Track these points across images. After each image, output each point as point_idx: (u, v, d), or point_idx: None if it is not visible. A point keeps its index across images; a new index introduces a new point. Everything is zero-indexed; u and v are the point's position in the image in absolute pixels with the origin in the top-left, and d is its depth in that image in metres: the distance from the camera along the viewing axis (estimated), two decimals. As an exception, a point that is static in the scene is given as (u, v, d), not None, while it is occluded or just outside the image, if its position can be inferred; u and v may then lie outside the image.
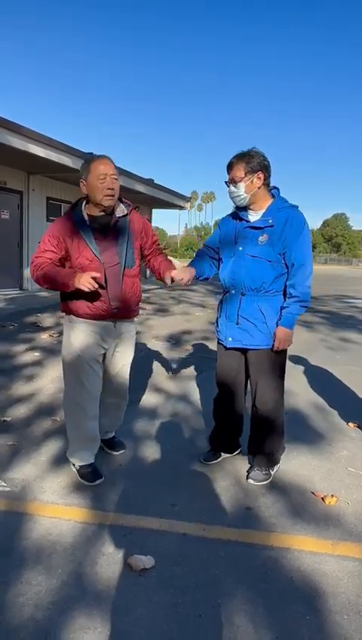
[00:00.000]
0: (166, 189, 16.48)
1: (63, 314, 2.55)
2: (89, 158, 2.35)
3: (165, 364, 5.06)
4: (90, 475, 2.52)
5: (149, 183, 14.88)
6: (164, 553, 1.97)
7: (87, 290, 2.24)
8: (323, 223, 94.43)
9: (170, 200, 17.20)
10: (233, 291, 2.50)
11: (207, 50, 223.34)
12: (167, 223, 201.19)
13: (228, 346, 2.54)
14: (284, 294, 2.44)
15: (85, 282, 2.23)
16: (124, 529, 2.13)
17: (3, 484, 2.50)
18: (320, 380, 4.65)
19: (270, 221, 2.37)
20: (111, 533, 2.10)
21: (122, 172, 13.10)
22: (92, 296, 2.36)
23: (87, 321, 2.45)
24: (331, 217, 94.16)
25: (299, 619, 1.66)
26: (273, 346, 2.42)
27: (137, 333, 6.73)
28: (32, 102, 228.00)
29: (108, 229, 2.40)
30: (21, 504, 2.31)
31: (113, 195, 2.32)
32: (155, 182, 15.31)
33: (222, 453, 2.81)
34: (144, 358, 5.36)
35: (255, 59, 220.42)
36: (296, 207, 2.44)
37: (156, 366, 4.95)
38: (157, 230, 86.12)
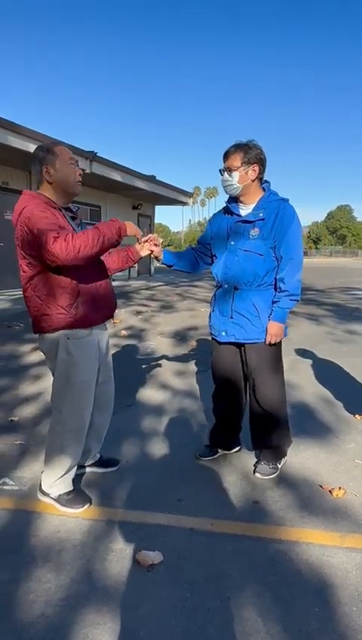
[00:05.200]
0: (168, 186, 16.46)
1: (51, 333, 2.15)
2: (48, 144, 2.18)
3: (170, 360, 5.06)
4: (79, 499, 2.28)
5: (151, 179, 14.87)
6: (172, 548, 1.98)
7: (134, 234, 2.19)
8: (328, 215, 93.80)
9: (172, 196, 17.17)
10: (226, 286, 2.49)
11: (207, 41, 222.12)
12: (171, 219, 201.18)
13: (221, 341, 2.54)
14: (276, 287, 2.43)
15: (133, 226, 2.16)
16: (131, 525, 2.14)
17: (11, 482, 2.51)
18: (327, 372, 4.64)
19: (261, 214, 2.37)
20: (119, 529, 2.12)
21: (123, 169, 13.11)
22: (104, 292, 2.24)
23: (92, 331, 2.23)
24: (335, 209, 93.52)
25: (307, 611, 1.66)
26: (266, 339, 2.41)
27: (142, 330, 6.80)
28: (31, 102, 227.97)
29: (80, 225, 2.28)
30: (30, 502, 2.33)
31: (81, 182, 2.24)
32: (157, 178, 15.28)
33: (220, 450, 2.79)
34: (150, 355, 5.38)
35: (255, 46, 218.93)
36: (287, 200, 2.43)
37: (162, 362, 4.95)
38: (160, 227, 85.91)
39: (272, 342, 2.41)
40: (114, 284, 9.92)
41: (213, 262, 2.65)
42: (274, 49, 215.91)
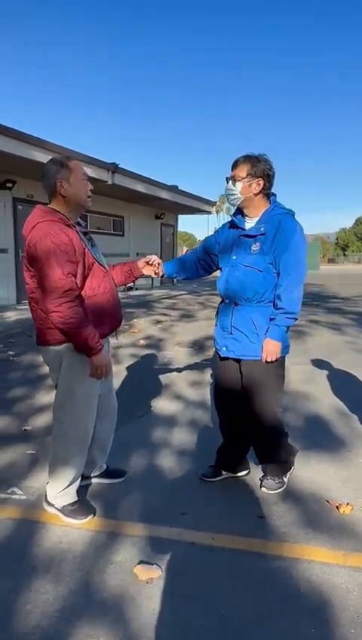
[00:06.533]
0: (190, 195, 16.55)
1: (59, 346, 2.20)
2: (61, 158, 2.22)
3: (186, 371, 5.06)
4: (83, 510, 2.31)
5: (173, 189, 15.00)
6: (171, 562, 1.97)
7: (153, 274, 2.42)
8: (356, 221, 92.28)
9: (195, 205, 17.26)
10: (227, 301, 2.47)
11: (223, 48, 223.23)
12: (196, 227, 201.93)
13: (222, 355, 2.50)
14: None
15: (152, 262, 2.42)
16: (133, 538, 2.15)
17: (20, 492, 2.56)
18: (343, 383, 4.55)
19: (262, 229, 2.33)
20: (121, 541, 2.13)
21: (146, 180, 13.27)
22: (110, 308, 2.27)
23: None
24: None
25: (304, 632, 1.63)
26: (261, 357, 2.34)
27: (160, 340, 6.82)
28: (52, 114, 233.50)
29: (90, 240, 2.33)
30: (35, 512, 2.36)
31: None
32: (179, 188, 15.40)
33: (224, 472, 2.67)
34: (166, 364, 5.39)
35: (277, 54, 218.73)
36: (291, 213, 2.38)
37: (177, 373, 4.96)
38: (185, 235, 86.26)
39: (268, 360, 2.34)
40: (136, 293, 10.06)
41: (211, 272, 2.65)
42: (298, 53, 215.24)
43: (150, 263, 2.53)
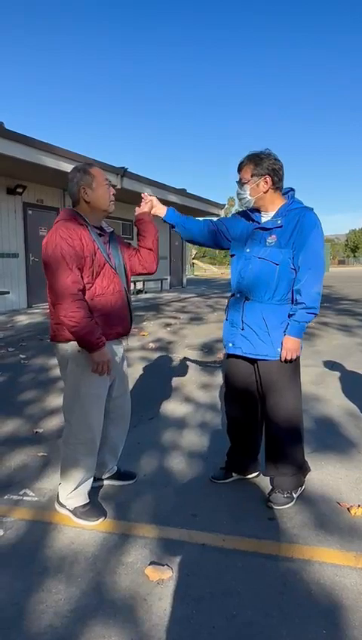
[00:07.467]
0: (199, 198, 16.57)
1: (63, 343, 2.28)
2: (83, 166, 2.29)
3: (196, 373, 5.07)
4: (94, 511, 2.32)
5: (182, 192, 15.04)
6: (182, 563, 1.98)
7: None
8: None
9: (203, 208, 17.27)
10: (238, 295, 2.42)
11: (240, 45, 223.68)
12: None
13: (229, 352, 2.46)
14: (293, 301, 2.32)
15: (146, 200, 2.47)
16: (144, 539, 2.16)
17: (32, 494, 2.59)
18: (355, 385, 4.53)
19: (279, 222, 2.29)
20: (132, 543, 2.14)
21: (154, 183, 13.33)
22: (118, 309, 2.30)
23: (107, 343, 2.27)
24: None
25: (315, 633, 1.63)
26: (281, 355, 2.30)
27: (170, 343, 6.83)
28: (53, 115, 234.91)
29: (107, 242, 2.36)
30: (47, 514, 2.38)
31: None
32: (188, 191, 15.44)
33: (234, 474, 2.66)
34: (175, 367, 5.41)
35: (283, 49, 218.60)
36: (310, 208, 2.33)
37: (187, 375, 4.97)
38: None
39: (288, 358, 2.28)
40: (146, 296, 10.09)
41: (215, 241, 2.56)
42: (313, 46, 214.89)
43: (145, 201, 2.56)
